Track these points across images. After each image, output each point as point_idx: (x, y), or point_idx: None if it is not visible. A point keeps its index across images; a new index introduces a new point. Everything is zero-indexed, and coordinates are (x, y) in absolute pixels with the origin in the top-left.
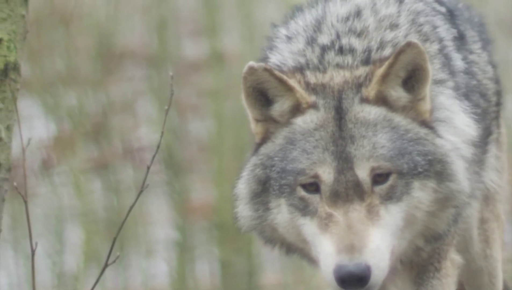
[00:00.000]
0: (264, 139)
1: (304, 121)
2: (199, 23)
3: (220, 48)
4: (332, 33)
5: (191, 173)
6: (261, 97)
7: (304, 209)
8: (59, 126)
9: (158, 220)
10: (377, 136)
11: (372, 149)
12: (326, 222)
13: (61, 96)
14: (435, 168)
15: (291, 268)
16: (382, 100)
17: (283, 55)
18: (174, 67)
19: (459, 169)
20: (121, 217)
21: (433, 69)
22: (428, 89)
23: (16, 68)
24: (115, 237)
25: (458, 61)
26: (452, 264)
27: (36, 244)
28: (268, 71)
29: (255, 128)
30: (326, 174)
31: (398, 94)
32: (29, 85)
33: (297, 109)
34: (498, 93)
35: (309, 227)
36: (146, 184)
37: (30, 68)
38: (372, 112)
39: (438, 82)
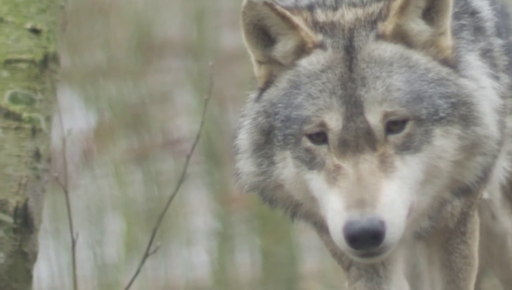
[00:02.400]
0: (267, 83)
1: (310, 62)
2: (237, 12)
3: None
4: None
5: (231, 163)
6: (263, 35)
7: (311, 162)
8: (99, 117)
9: (199, 210)
10: (392, 77)
11: (385, 92)
12: (334, 175)
13: (101, 87)
14: (459, 112)
15: (331, 258)
16: (400, 36)
17: None
18: (213, 57)
19: (486, 111)
20: (161, 208)
21: (462, 38)
22: (449, 22)
23: (55, 59)
24: (155, 227)
25: (485, 11)
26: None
27: (77, 234)
28: (269, 5)
29: (258, 71)
30: (334, 121)
31: (419, 27)
32: (69, 76)
33: (302, 50)
34: None
35: (316, 181)
36: (187, 174)
37: (70, 59)
38: (388, 49)
39: (466, 48)
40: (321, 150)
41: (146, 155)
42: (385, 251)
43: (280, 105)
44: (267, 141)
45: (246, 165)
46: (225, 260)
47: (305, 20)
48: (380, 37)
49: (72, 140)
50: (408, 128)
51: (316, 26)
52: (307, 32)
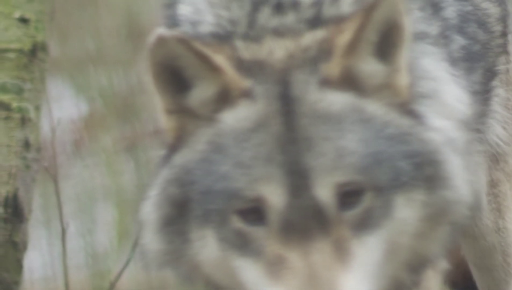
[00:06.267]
0: (179, 140)
1: (236, 118)
2: None
3: None
4: None
5: None
6: (175, 78)
7: (244, 246)
8: (90, 106)
9: None
10: (344, 137)
11: (336, 158)
12: (277, 269)
13: (91, 75)
14: (424, 173)
15: None
16: (349, 81)
17: (197, 7)
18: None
19: (455, 169)
20: None
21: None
22: (406, 56)
23: (44, 48)
24: None
25: None
26: (434, 272)
27: (68, 224)
28: (185, 43)
29: (167, 123)
30: (275, 196)
31: (371, 67)
32: (59, 66)
33: (224, 99)
34: (504, 19)
35: (251, 272)
36: None
37: (60, 48)
38: (337, 100)
39: (418, 37)
40: (257, 232)
41: (137, 143)
42: None
43: (197, 172)
44: (180, 214)
45: (153, 242)
46: None
47: (229, 59)
48: (325, 83)
49: (63, 129)
50: (365, 200)
51: (242, 66)
52: (232, 76)
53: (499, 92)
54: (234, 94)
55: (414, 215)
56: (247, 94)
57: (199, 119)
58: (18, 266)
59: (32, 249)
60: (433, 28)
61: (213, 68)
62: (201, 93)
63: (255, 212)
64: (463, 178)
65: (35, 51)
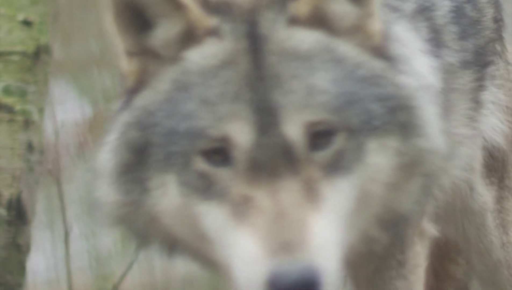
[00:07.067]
0: (140, 83)
1: (202, 55)
2: None
3: None
4: None
5: None
6: (137, 18)
7: (207, 189)
8: (93, 108)
9: None
10: (314, 75)
11: (307, 95)
12: (243, 210)
13: (95, 77)
14: (397, 119)
15: None
16: (319, 20)
17: None
18: None
19: (430, 117)
20: None
21: None
22: (378, 1)
23: (47, 50)
24: None
25: None
26: (421, 239)
27: (71, 226)
28: None
29: (128, 66)
30: (242, 134)
31: (342, 8)
32: (62, 67)
33: (189, 38)
34: (496, 3)
35: (215, 216)
36: None
37: (64, 50)
38: (307, 38)
39: (393, 8)
40: (222, 174)
41: None
42: None
43: (160, 114)
44: (140, 161)
45: (110, 193)
46: None
47: None
48: (294, 22)
49: (66, 131)
50: (337, 141)
51: (207, 6)
52: (196, 14)
53: (491, 87)
54: (199, 32)
55: (386, 162)
56: (213, 32)
57: (162, 60)
58: (22, 269)
59: (36, 251)
60: (408, 5)
61: (177, 6)
62: (164, 33)
63: (220, 153)
64: (437, 127)
65: (39, 54)
